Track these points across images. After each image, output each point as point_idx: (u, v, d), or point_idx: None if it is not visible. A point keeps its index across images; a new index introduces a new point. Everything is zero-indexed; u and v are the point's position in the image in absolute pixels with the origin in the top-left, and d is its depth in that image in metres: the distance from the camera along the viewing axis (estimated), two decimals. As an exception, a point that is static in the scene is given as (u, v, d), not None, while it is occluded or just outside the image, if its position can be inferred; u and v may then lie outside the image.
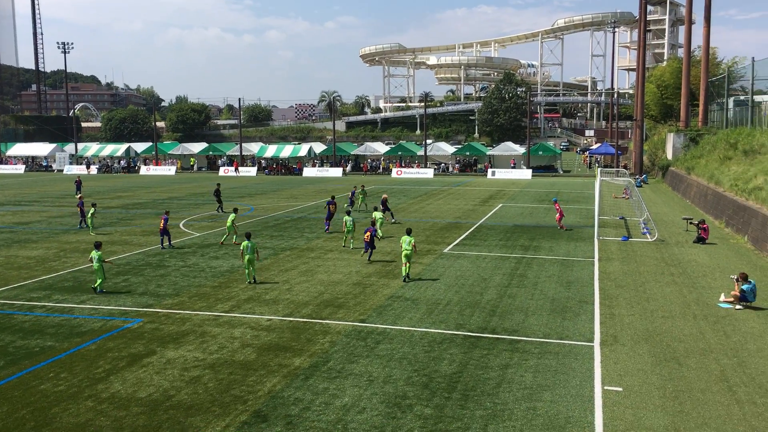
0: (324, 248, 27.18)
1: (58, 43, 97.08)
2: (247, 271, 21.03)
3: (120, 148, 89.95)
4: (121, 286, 20.78)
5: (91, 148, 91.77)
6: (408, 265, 21.31)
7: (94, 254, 19.87)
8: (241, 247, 20.97)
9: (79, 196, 35.02)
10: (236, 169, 78.14)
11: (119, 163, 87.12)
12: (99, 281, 19.93)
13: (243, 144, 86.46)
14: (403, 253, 21.18)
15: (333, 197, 33.96)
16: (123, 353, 14.47)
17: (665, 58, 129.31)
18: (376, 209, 30.39)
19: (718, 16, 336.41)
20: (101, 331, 16.09)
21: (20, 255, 26.14)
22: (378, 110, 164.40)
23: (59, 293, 19.89)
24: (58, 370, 13.46)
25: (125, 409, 11.59)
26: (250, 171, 78.62)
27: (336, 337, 15.50)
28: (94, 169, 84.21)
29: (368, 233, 24.22)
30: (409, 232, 21.80)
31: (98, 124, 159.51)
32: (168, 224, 27.56)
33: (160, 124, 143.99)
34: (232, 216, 28.66)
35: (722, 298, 18.53)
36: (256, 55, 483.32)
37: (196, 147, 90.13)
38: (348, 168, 79.38)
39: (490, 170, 72.37)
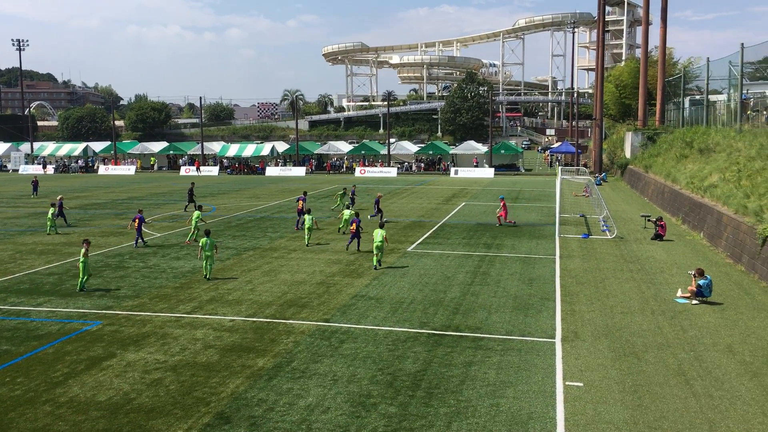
0: (287, 248, 27.04)
1: (12, 39, 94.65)
2: (204, 266, 21.45)
3: (77, 148, 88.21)
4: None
5: (48, 148, 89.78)
6: (379, 255, 22.98)
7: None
8: (200, 244, 21.42)
9: (59, 197, 34.55)
10: (198, 169, 77.24)
11: (77, 162, 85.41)
12: (84, 278, 19.93)
13: (204, 143, 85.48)
14: (375, 245, 22.78)
15: (305, 192, 34.17)
16: (82, 356, 14.20)
17: (623, 58, 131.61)
18: (348, 207, 30.76)
19: (675, 17, 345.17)
20: (59, 334, 15.76)
21: (-26, 257, 25.45)
22: (341, 109, 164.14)
23: (15, 296, 19.42)
24: (14, 375, 13.14)
25: (84, 414, 11.38)
26: (212, 170, 77.76)
27: (300, 337, 15.43)
28: (50, 169, 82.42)
29: (354, 224, 25.79)
30: (381, 226, 23.63)
31: (55, 123, 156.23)
32: (144, 223, 27.99)
33: (119, 122, 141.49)
34: (196, 213, 28.75)
35: (679, 293, 18.96)
36: (217, 54, 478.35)
37: (157, 146, 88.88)
38: (313, 167, 79.14)
39: (453, 169, 72.82)
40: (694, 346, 14.76)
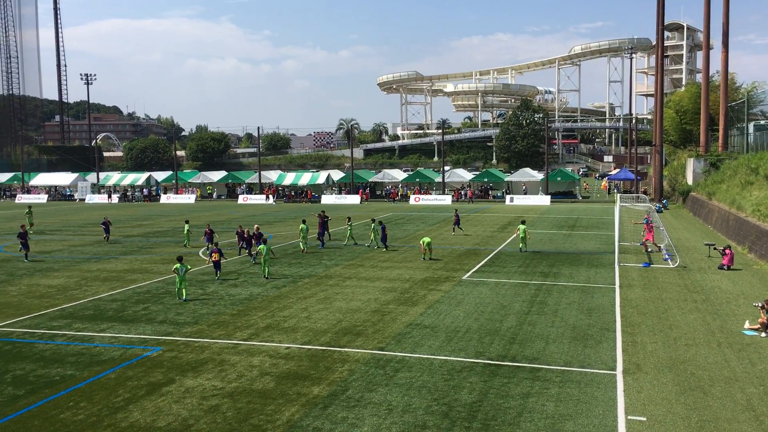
0: (342, 275, 27.16)
1: (81, 74, 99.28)
2: (262, 269, 26.83)
3: (141, 177, 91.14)
4: (141, 314, 20.87)
5: (113, 178, 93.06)
6: (426, 252, 30.88)
7: (180, 267, 22.83)
8: (259, 250, 27.24)
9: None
10: (267, 197, 78.68)
11: (142, 191, 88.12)
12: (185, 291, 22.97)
13: (262, 172, 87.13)
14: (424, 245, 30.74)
15: (323, 211, 38.98)
16: (142, 382, 14.48)
17: (683, 83, 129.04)
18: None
19: (737, 41, 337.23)
20: (121, 360, 16.13)
21: (41, 284, 26.38)
22: (395, 137, 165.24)
23: (80, 322, 20.01)
24: (77, 399, 13.49)
25: (144, 439, 11.55)
26: (268, 199, 79.16)
27: (355, 366, 15.40)
28: (115, 198, 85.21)
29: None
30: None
31: (120, 154, 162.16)
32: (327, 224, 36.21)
33: (181, 153, 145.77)
34: (302, 226, 34.23)
35: (747, 325, 18.23)
36: (273, 85, 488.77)
37: (216, 175, 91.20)
38: (368, 195, 79.73)
39: (508, 196, 72.26)
40: (763, 380, 14.12)
